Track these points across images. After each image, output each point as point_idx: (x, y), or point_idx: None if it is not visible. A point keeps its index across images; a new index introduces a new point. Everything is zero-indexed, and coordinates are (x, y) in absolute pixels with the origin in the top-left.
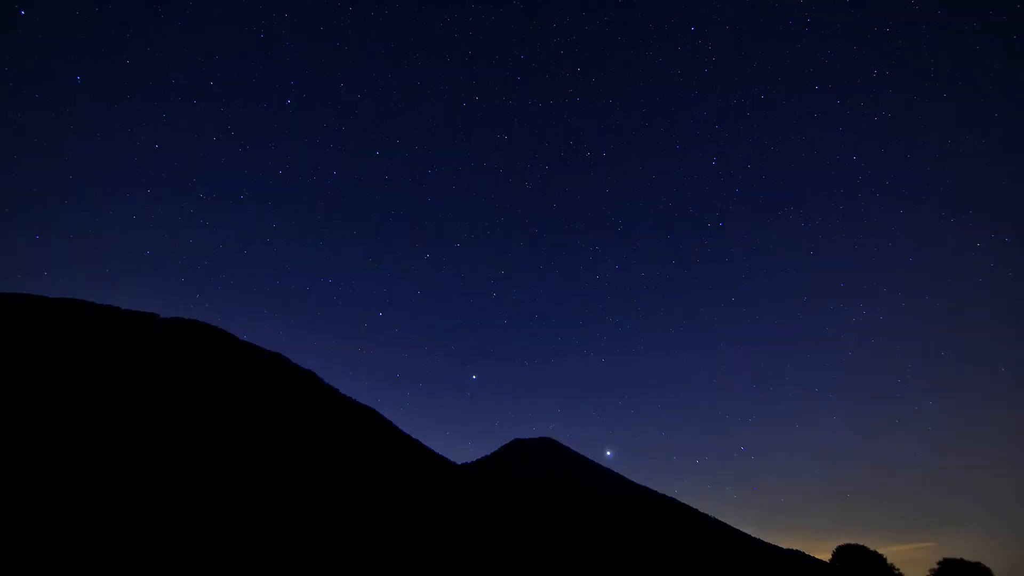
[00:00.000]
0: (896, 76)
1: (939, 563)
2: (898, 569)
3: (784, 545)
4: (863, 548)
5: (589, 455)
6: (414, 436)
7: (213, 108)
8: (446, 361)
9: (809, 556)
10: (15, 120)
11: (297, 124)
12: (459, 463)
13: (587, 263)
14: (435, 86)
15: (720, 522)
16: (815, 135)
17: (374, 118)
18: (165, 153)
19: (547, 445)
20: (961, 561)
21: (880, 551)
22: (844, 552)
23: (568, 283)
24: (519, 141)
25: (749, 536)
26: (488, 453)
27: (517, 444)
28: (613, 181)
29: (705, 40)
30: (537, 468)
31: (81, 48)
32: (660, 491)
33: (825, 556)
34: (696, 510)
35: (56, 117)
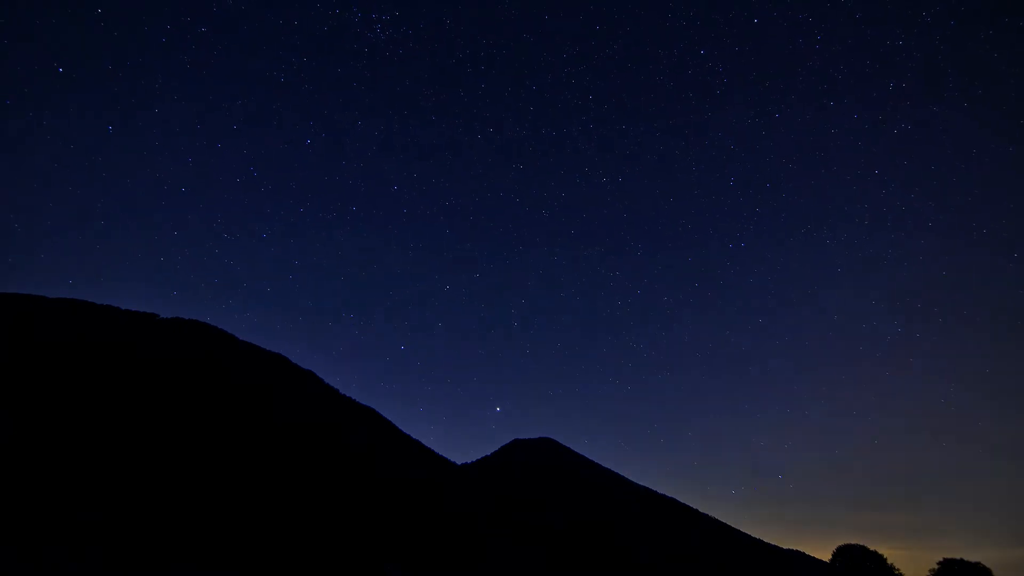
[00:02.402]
0: (913, 87)
1: (939, 563)
2: (898, 569)
3: (784, 545)
4: (863, 548)
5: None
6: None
7: (236, 150)
8: (469, 393)
9: (809, 556)
10: (51, 169)
11: (317, 163)
12: (459, 463)
13: (608, 289)
14: (449, 119)
15: (721, 522)
16: (834, 150)
17: (391, 153)
18: (191, 196)
19: (547, 445)
20: (961, 561)
21: (880, 551)
22: (844, 552)
23: (590, 310)
24: (534, 170)
25: (749, 536)
26: (488, 453)
27: (517, 444)
28: (630, 206)
29: (715, 62)
30: (537, 468)
31: (112, 100)
32: (661, 492)
33: (825, 556)
34: (696, 510)
35: (89, 166)
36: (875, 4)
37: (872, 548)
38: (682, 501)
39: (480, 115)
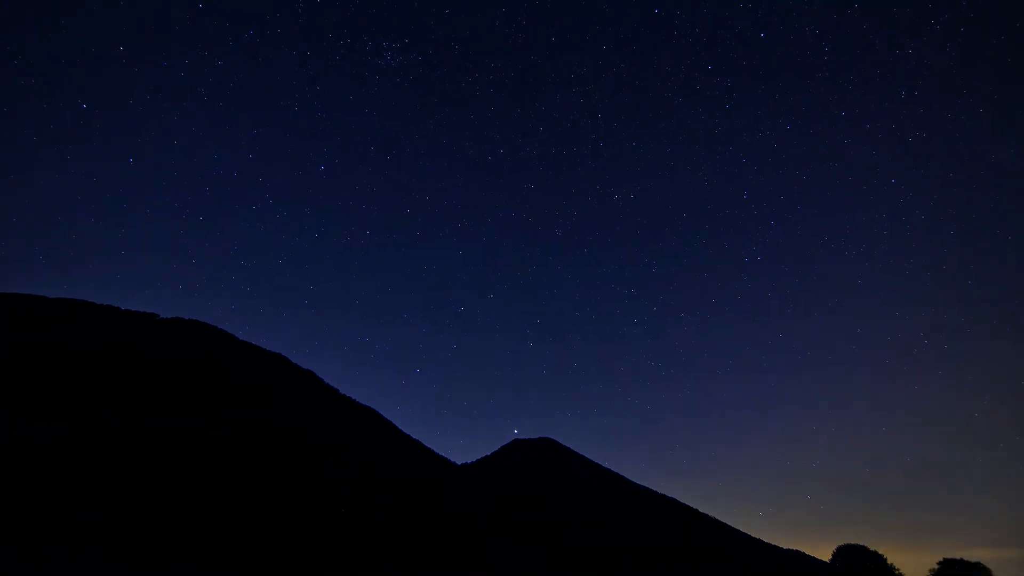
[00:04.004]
0: (926, 96)
1: (939, 563)
2: (898, 569)
3: (784, 545)
4: (863, 548)
5: None
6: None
7: (252, 179)
8: (486, 416)
9: (809, 556)
10: (75, 204)
11: (331, 189)
12: (459, 463)
13: (624, 307)
14: (460, 142)
15: (721, 522)
16: (848, 161)
17: (403, 177)
18: (207, 225)
19: (547, 445)
20: (961, 561)
21: (880, 551)
22: (844, 552)
23: (606, 329)
24: (546, 189)
25: (750, 536)
26: (488, 453)
27: (517, 444)
28: (644, 223)
29: (723, 77)
30: (537, 468)
31: (133, 132)
32: (661, 491)
33: (825, 556)
34: (696, 510)
35: (111, 197)
36: (882, 14)
37: (872, 548)
38: (682, 501)
39: (490, 136)
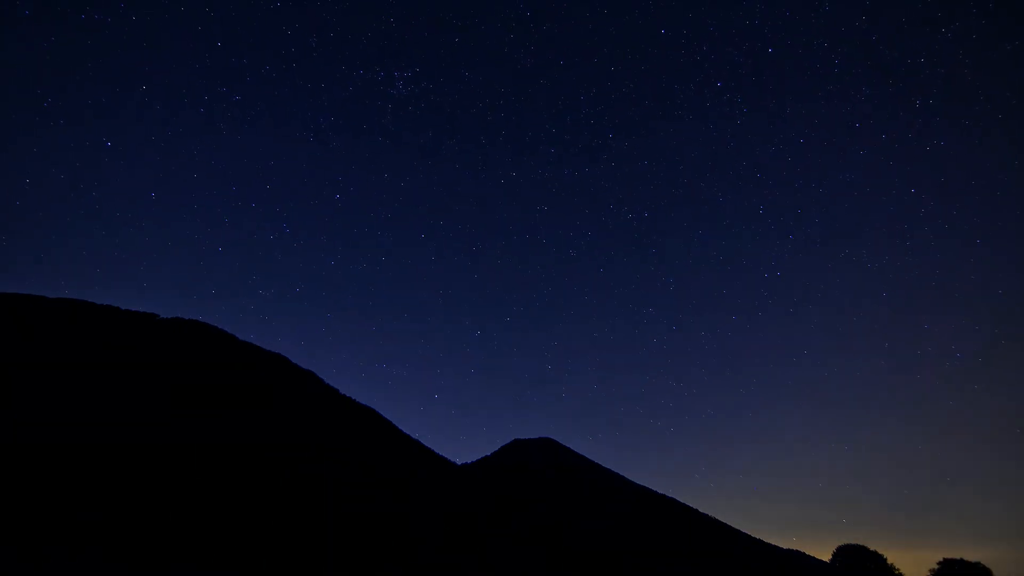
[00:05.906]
0: (941, 104)
1: (939, 563)
2: (898, 569)
3: (784, 545)
4: (863, 548)
5: None
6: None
7: (269, 210)
8: (505, 441)
9: (809, 556)
10: (93, 231)
11: (346, 217)
12: (459, 463)
13: (642, 326)
14: (473, 167)
15: (721, 522)
16: (864, 172)
17: (418, 203)
18: (226, 256)
19: (547, 445)
20: (961, 561)
21: (880, 551)
22: (844, 552)
23: (625, 350)
24: (560, 211)
25: (749, 536)
26: (488, 453)
27: (517, 444)
28: (659, 241)
29: (733, 93)
30: (537, 468)
31: (155, 169)
32: (661, 491)
33: (825, 556)
34: (696, 510)
35: (132, 231)
36: (891, 24)
37: (872, 548)
38: (681, 501)
39: (502, 160)
